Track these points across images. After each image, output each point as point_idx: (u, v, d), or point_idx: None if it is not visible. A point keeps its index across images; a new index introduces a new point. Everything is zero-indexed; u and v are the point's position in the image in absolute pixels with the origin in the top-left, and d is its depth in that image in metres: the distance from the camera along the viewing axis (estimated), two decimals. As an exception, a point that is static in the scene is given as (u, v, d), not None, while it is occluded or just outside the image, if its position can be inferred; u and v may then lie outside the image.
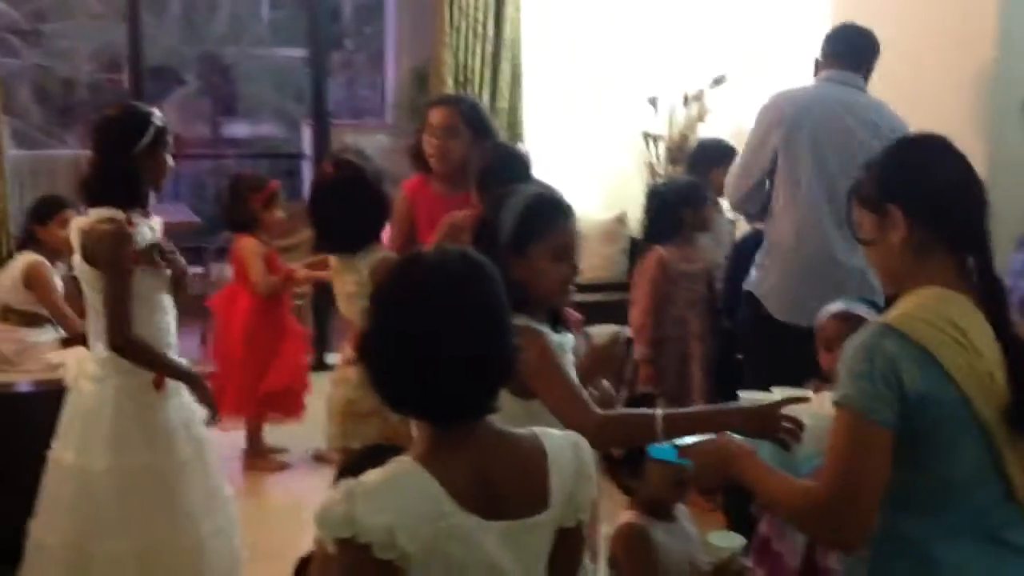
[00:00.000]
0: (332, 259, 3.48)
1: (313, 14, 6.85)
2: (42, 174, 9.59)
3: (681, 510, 2.68)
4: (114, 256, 3.09)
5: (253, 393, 5.03)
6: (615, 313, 4.55)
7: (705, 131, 5.92)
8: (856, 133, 3.76)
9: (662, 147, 6.06)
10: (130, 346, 3.15)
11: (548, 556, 1.72)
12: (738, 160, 4.05)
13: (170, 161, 3.26)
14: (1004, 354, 1.88)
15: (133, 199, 3.16)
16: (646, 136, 6.00)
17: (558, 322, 2.41)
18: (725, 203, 4.48)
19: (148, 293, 3.20)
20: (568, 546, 1.75)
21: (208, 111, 16.76)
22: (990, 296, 1.93)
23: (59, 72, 15.06)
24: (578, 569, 1.82)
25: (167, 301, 3.30)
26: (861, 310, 3.02)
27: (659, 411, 2.20)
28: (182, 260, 3.34)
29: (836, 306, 3.11)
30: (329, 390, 3.56)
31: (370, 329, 1.71)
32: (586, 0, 6.13)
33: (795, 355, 3.62)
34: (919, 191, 1.95)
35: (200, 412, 3.34)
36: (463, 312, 1.66)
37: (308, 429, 4.88)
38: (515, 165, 3.46)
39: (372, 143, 10.95)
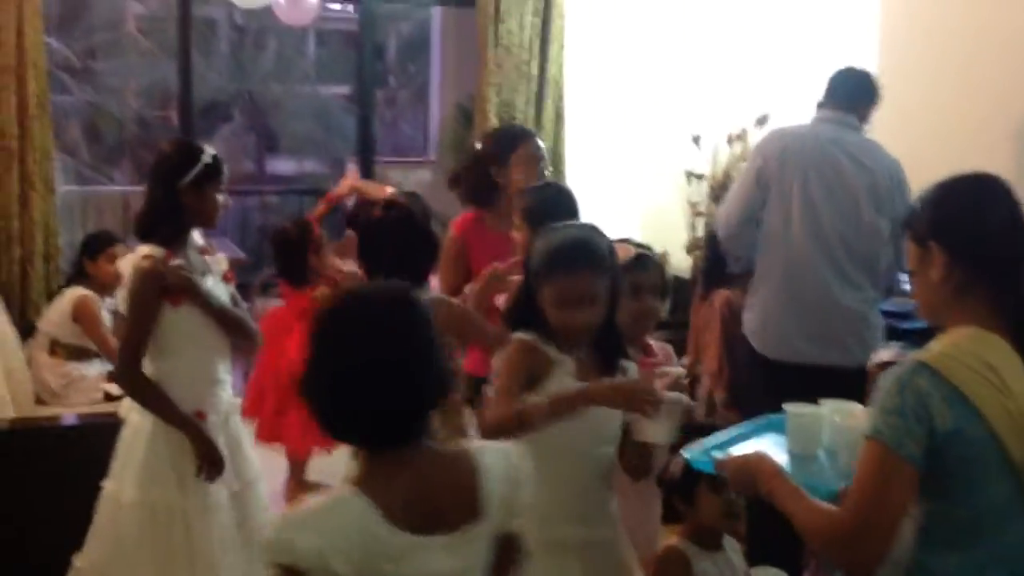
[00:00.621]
0: None
1: (359, 52, 6.94)
2: (91, 210, 9.74)
3: (729, 542, 2.69)
4: (134, 291, 3.13)
5: (300, 419, 4.76)
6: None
7: (748, 170, 5.91)
8: (846, 171, 3.80)
9: (705, 186, 6.05)
10: (127, 382, 3.18)
11: (489, 560, 1.86)
12: (728, 194, 4.04)
13: (222, 198, 3.29)
14: None
15: (175, 235, 3.19)
16: (689, 175, 5.99)
17: (608, 354, 2.51)
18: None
19: (192, 329, 3.21)
20: (508, 549, 1.90)
21: (253, 148, 16.96)
22: None
23: (109, 109, 15.31)
24: (518, 571, 1.94)
25: (214, 338, 3.29)
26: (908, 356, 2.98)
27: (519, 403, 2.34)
28: (217, 298, 3.28)
29: (886, 352, 3.08)
30: None
31: (307, 364, 1.83)
32: (629, 39, 6.15)
33: (786, 393, 3.58)
34: (963, 234, 1.97)
35: (248, 450, 3.33)
36: (389, 346, 1.79)
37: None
38: (564, 202, 3.48)
39: (416, 180, 11.03)
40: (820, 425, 2.48)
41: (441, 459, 1.85)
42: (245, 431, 3.54)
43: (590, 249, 2.48)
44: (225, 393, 3.38)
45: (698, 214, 6.03)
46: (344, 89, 17.01)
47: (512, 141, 3.95)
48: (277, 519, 1.74)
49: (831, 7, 5.63)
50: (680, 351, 4.69)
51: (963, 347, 1.91)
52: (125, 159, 15.47)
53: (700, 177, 6.02)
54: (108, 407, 4.36)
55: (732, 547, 2.69)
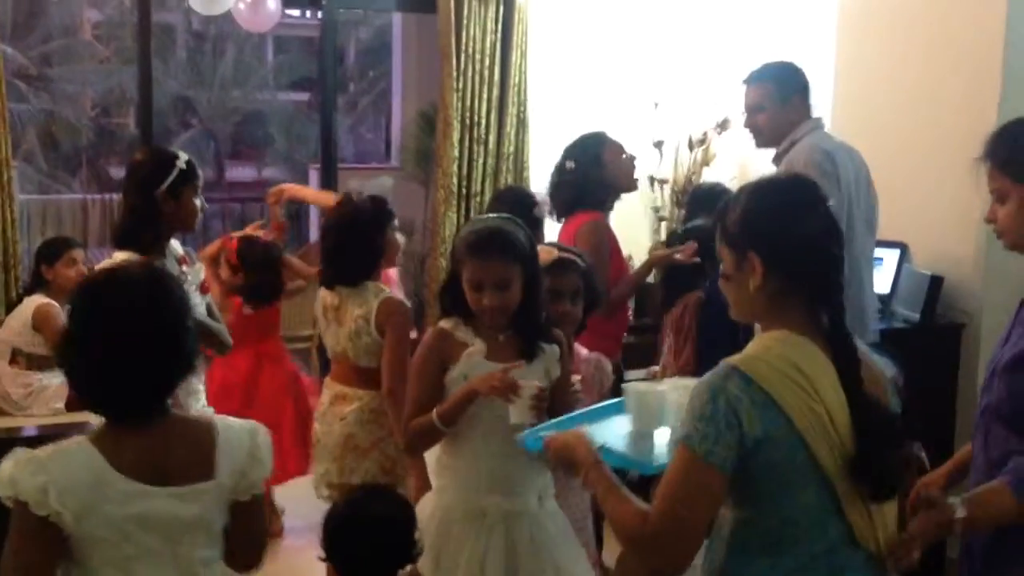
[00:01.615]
0: (337, 293, 3.57)
1: (320, 58, 6.91)
2: (50, 218, 9.66)
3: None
4: None
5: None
6: (627, 353, 4.57)
7: (710, 175, 5.96)
8: (870, 185, 3.86)
9: (667, 191, 6.09)
10: None
11: (229, 525, 2.10)
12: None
13: (199, 203, 3.29)
14: (850, 407, 1.88)
15: (153, 242, 3.18)
16: (652, 180, 6.03)
17: (528, 337, 2.69)
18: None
19: None
20: (246, 517, 2.12)
21: (213, 155, 16.87)
22: (840, 348, 1.93)
23: (66, 116, 15.18)
24: (258, 540, 2.22)
25: None
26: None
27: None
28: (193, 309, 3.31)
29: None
30: (324, 427, 3.57)
31: (64, 335, 2.03)
32: (591, 45, 6.18)
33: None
34: (779, 243, 1.94)
35: None
36: (135, 321, 1.97)
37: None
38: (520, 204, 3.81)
39: (378, 186, 11.02)
40: (661, 402, 2.50)
41: (183, 425, 2.09)
42: None
43: (503, 237, 2.67)
44: (199, 403, 3.36)
45: (661, 219, 6.07)
46: (304, 95, 16.98)
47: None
48: (12, 457, 1.93)
49: (788, 11, 5.70)
50: (647, 355, 4.72)
51: (774, 351, 1.90)
52: (83, 167, 15.34)
53: (663, 182, 6.07)
54: (70, 417, 4.31)
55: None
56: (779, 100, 3.92)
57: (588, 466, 2.08)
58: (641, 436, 2.46)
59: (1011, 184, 2.23)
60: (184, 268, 3.31)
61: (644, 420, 2.49)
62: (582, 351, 3.21)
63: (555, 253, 3.09)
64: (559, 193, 4.40)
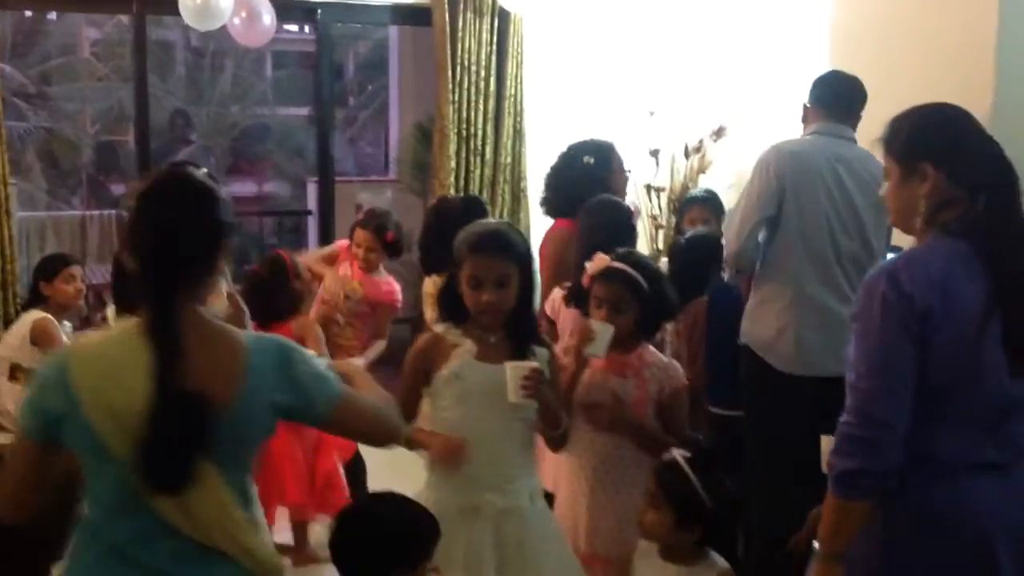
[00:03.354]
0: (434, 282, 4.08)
1: (316, 73, 6.94)
2: (49, 235, 9.68)
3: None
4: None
5: (301, 483, 4.49)
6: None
7: (707, 182, 5.96)
8: (850, 190, 3.78)
9: (664, 199, 6.10)
10: None
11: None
12: (735, 214, 4.00)
13: None
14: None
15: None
16: (648, 188, 6.04)
17: (520, 337, 2.79)
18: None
19: None
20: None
21: (212, 170, 16.90)
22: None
23: (65, 134, 15.22)
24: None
25: None
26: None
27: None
28: None
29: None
30: None
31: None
32: (586, 55, 6.20)
33: (806, 404, 3.61)
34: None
35: None
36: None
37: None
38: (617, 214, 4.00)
39: (378, 199, 11.04)
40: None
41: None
42: None
43: (504, 237, 2.79)
44: None
45: (658, 227, 6.07)
46: (303, 110, 17.01)
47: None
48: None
49: (783, 19, 5.71)
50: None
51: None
52: (83, 184, 15.38)
53: (660, 190, 6.07)
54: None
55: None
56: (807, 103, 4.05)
57: None
58: None
59: (891, 162, 2.33)
60: None
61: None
62: (650, 354, 3.18)
63: (607, 261, 3.12)
64: (566, 186, 4.39)
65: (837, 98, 3.93)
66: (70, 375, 1.89)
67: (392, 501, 2.50)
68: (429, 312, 4.14)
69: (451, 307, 2.83)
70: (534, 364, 2.72)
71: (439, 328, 2.84)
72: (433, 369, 2.79)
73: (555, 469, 3.27)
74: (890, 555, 2.21)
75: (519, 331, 2.80)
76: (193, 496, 1.90)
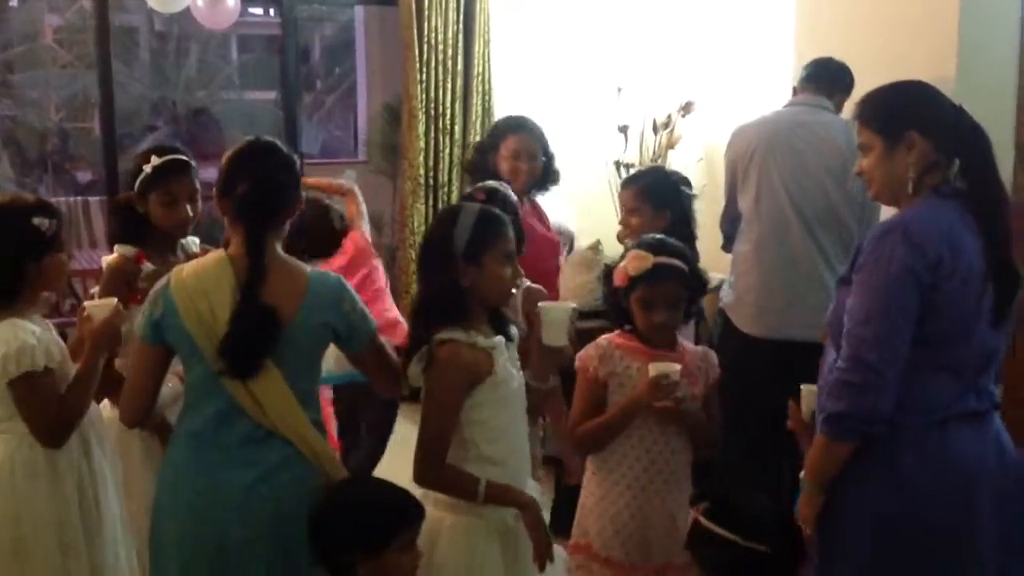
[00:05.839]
0: None
1: (282, 57, 6.89)
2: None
3: None
4: (101, 285, 3.14)
5: None
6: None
7: (676, 158, 5.98)
8: (806, 153, 3.92)
9: (634, 175, 6.10)
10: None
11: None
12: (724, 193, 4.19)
13: (165, 207, 3.28)
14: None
15: (139, 238, 3.23)
16: (618, 165, 6.04)
17: (502, 323, 2.63)
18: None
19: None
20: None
21: (180, 156, 16.76)
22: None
23: (30, 122, 15.06)
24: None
25: None
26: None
27: (483, 483, 2.46)
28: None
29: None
30: None
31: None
32: (553, 32, 6.19)
33: (764, 366, 3.70)
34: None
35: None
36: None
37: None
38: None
39: (345, 179, 10.97)
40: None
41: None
42: None
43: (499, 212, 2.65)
44: None
45: (628, 203, 6.09)
46: (270, 94, 16.89)
47: (504, 132, 4.29)
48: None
49: (749, -6, 5.73)
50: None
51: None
52: (49, 171, 15.23)
53: (629, 167, 6.08)
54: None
55: None
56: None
57: None
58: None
59: (873, 135, 2.40)
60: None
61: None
62: (687, 344, 3.05)
63: (651, 260, 2.86)
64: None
65: (818, 72, 4.12)
66: (171, 289, 2.44)
67: (364, 484, 2.51)
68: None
69: (449, 308, 2.50)
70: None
71: (458, 335, 2.47)
72: (479, 380, 2.48)
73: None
74: (892, 498, 2.30)
75: (497, 317, 2.61)
76: (260, 385, 2.38)
